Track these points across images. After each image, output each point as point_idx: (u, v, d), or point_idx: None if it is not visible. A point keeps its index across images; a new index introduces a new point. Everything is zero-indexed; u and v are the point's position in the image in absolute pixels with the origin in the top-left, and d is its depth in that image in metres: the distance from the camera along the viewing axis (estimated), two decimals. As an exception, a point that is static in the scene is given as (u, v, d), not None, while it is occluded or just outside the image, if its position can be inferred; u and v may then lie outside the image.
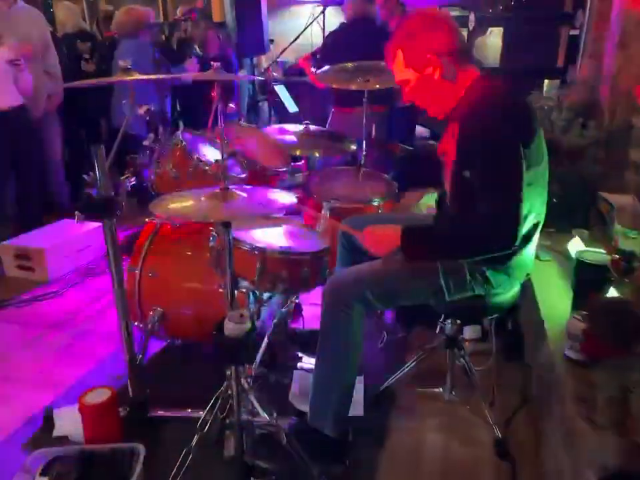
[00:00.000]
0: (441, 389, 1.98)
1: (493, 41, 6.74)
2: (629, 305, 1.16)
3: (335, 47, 3.35)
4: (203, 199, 1.35)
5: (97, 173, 1.47)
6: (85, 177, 1.55)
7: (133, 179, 1.73)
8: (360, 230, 1.62)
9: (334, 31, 3.54)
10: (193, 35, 4.51)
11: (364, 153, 2.60)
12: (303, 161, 3.60)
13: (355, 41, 3.25)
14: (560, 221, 2.26)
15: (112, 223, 1.52)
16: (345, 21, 3.54)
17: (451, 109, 1.53)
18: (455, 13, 6.94)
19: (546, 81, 4.82)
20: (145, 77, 1.57)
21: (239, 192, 1.37)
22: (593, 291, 1.38)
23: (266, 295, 1.89)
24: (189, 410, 1.82)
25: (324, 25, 4.71)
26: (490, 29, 6.72)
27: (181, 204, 1.37)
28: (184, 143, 1.95)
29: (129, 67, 1.57)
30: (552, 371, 1.44)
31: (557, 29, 6.21)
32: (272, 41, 5.52)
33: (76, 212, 1.51)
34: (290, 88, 5.33)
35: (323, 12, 4.65)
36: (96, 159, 1.44)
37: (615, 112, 2.55)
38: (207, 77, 1.82)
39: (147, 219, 2.05)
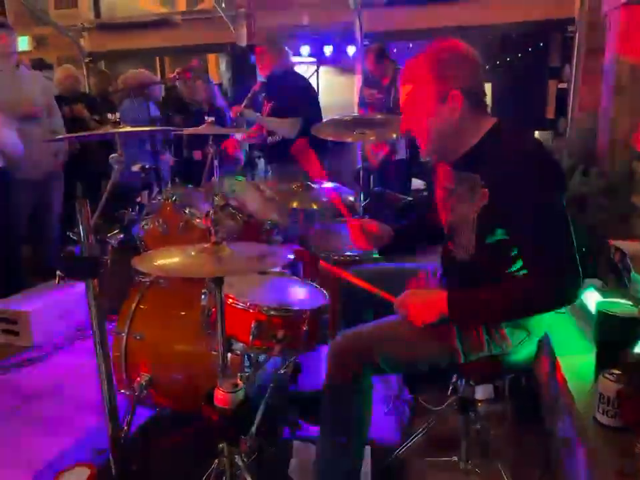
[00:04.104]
0: (455, 458, 1.80)
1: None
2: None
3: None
4: (192, 253, 1.24)
5: (80, 229, 1.37)
6: (70, 234, 1.46)
7: (121, 235, 1.64)
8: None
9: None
10: (183, 93, 4.56)
11: (362, 204, 2.54)
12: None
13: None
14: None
15: (95, 283, 1.41)
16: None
17: (461, 154, 1.44)
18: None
19: (536, 133, 4.91)
20: (131, 129, 1.51)
21: (231, 246, 1.27)
22: (621, 347, 1.26)
23: (262, 357, 1.75)
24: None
25: (318, 83, 4.80)
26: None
27: (169, 259, 1.27)
28: (175, 197, 1.87)
29: (118, 120, 1.52)
30: (580, 437, 1.29)
31: (544, 83, 6.41)
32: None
33: (57, 272, 1.41)
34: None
35: (317, 70, 4.76)
36: (79, 214, 1.34)
37: (614, 159, 2.52)
38: (200, 131, 1.78)
39: (136, 278, 1.93)
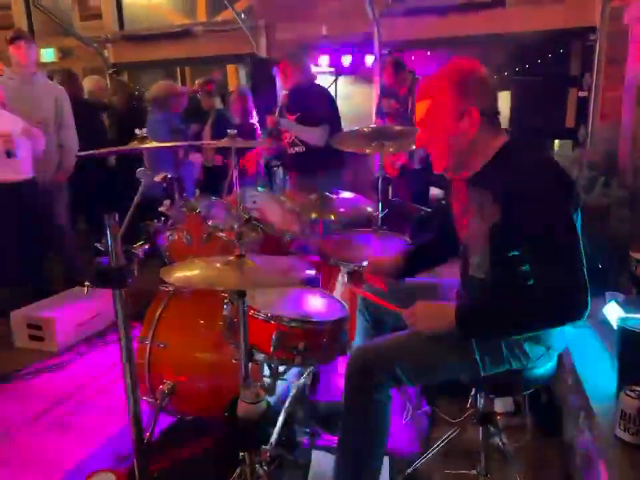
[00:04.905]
0: (474, 471, 1.79)
1: (500, 102, 6.92)
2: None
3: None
4: (217, 265, 1.28)
5: (109, 240, 1.41)
6: (98, 244, 1.50)
7: (146, 245, 1.68)
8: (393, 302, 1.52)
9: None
10: (202, 103, 4.64)
11: (381, 215, 2.55)
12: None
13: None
14: (590, 284, 2.15)
15: (122, 292, 1.45)
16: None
17: (474, 171, 1.45)
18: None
19: (556, 141, 4.87)
20: (158, 144, 1.55)
21: (254, 260, 1.30)
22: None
23: (282, 367, 1.77)
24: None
25: (336, 93, 4.84)
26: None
27: (194, 271, 1.30)
28: (199, 209, 1.92)
29: (145, 135, 1.56)
30: (600, 453, 1.29)
31: (564, 92, 6.35)
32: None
33: (85, 282, 1.45)
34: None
35: (335, 80, 4.81)
36: (108, 226, 1.39)
37: (636, 170, 2.49)
38: (223, 144, 1.82)
39: (160, 287, 1.98)
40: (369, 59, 5.87)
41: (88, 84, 4.81)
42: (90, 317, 3.11)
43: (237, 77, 7.05)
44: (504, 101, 6.91)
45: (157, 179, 2.89)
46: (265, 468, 1.50)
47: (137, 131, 1.55)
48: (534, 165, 1.36)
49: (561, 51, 6.42)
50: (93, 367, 2.77)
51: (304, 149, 3.27)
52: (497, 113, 1.45)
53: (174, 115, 3.63)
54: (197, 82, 4.84)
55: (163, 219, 1.99)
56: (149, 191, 2.63)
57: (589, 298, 1.26)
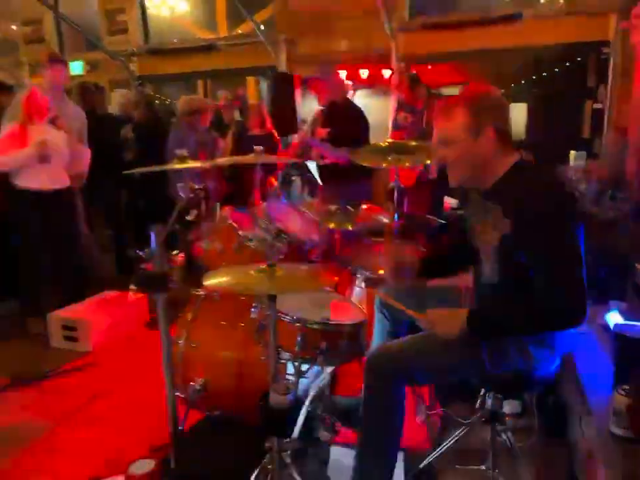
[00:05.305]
0: (483, 467, 1.92)
1: (517, 113, 7.01)
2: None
3: None
4: (252, 273, 1.44)
5: (155, 249, 1.58)
6: (140, 252, 1.67)
7: (182, 253, 1.85)
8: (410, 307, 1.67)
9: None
10: (223, 114, 4.83)
11: (396, 224, 2.70)
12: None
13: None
14: (596, 293, 2.26)
15: (165, 296, 1.62)
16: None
17: (488, 186, 1.59)
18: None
19: (572, 152, 4.95)
20: (198, 164, 1.72)
21: (284, 267, 1.46)
22: (635, 365, 1.38)
23: (305, 366, 1.93)
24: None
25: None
26: (511, 105, 7.01)
27: (231, 278, 1.47)
28: (230, 221, 2.09)
29: (185, 155, 1.74)
30: (598, 448, 1.41)
31: (581, 103, 6.43)
32: (304, 121, 5.86)
33: (131, 286, 1.62)
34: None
35: (353, 94, 4.97)
36: (155, 236, 1.56)
37: (643, 184, 2.60)
38: (249, 160, 1.99)
39: (192, 292, 2.15)
40: (386, 73, 6.04)
41: (117, 98, 5.04)
42: (121, 319, 3.29)
43: (257, 90, 7.28)
44: (521, 112, 7.03)
45: (179, 186, 3.08)
46: (290, 458, 1.65)
47: (178, 152, 1.72)
48: (541, 185, 1.51)
49: (578, 63, 6.52)
50: (124, 365, 2.95)
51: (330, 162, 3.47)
52: (510, 131, 1.60)
53: (202, 129, 3.82)
54: (222, 95, 5.05)
55: (195, 229, 2.16)
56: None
57: (587, 306, 1.39)
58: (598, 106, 5.91)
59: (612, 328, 1.71)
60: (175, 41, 7.67)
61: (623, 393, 1.26)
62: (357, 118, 3.59)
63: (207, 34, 7.63)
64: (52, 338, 3.22)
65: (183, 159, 1.71)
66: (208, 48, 7.15)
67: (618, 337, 1.45)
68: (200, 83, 7.72)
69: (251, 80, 7.38)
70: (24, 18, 8.16)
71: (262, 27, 6.77)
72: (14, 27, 8.62)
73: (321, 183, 4.28)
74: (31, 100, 3.20)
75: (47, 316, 3.23)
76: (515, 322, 1.48)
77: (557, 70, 6.72)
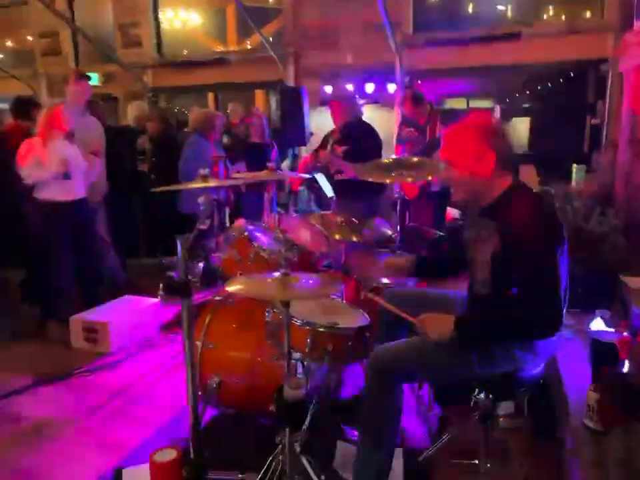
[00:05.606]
0: (477, 461, 2.09)
1: (520, 127, 7.20)
2: (632, 379, 1.33)
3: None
4: (269, 281, 1.63)
5: (180, 259, 1.77)
6: (163, 260, 1.87)
7: (202, 262, 2.04)
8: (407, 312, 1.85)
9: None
10: (231, 125, 5.02)
11: (399, 236, 2.89)
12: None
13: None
14: (584, 303, 2.44)
15: (189, 302, 1.80)
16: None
17: (485, 205, 1.78)
18: (480, 103, 7.50)
19: (575, 166, 5.12)
20: (220, 183, 1.92)
21: (298, 276, 1.65)
22: (605, 365, 1.55)
23: (313, 366, 2.11)
24: (243, 475, 1.99)
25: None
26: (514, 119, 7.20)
27: (251, 284, 1.66)
28: (246, 232, 2.28)
29: (206, 174, 1.93)
30: (572, 439, 1.58)
31: (582, 118, 6.60)
32: (312, 134, 6.08)
33: (160, 292, 1.81)
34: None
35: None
36: (181, 247, 1.74)
37: (629, 202, 2.77)
38: (262, 177, 2.19)
39: (211, 297, 2.33)
40: (391, 87, 6.24)
41: (133, 109, 5.25)
42: (139, 322, 3.49)
43: (265, 102, 7.50)
44: (524, 125, 7.22)
45: (200, 200, 3.29)
46: (300, 447, 1.83)
47: (201, 171, 1.92)
48: (527, 208, 1.69)
49: (578, 80, 6.71)
50: (143, 366, 3.13)
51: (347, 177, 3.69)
52: (510, 156, 1.78)
53: (214, 142, 4.03)
54: (235, 110, 5.24)
55: (214, 240, 2.35)
56: (192, 212, 3.01)
57: (562, 317, 1.57)
58: (596, 121, 6.09)
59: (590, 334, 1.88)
60: (185, 52, 7.94)
61: (592, 389, 1.43)
62: (369, 135, 3.87)
63: (218, 46, 7.88)
64: (73, 339, 3.41)
65: (204, 178, 1.90)
66: (219, 61, 7.39)
67: (593, 341, 1.62)
68: (210, 95, 7.95)
69: (259, 93, 7.61)
70: (41, 31, 8.45)
71: (270, 39, 7.00)
72: (30, 38, 8.91)
73: (329, 195, 4.50)
74: (53, 117, 3.40)
75: (68, 319, 3.42)
76: (498, 330, 1.66)
77: (558, 86, 6.91)
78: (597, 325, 2.01)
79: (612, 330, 1.65)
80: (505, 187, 1.75)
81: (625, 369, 1.53)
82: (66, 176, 3.39)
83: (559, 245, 1.63)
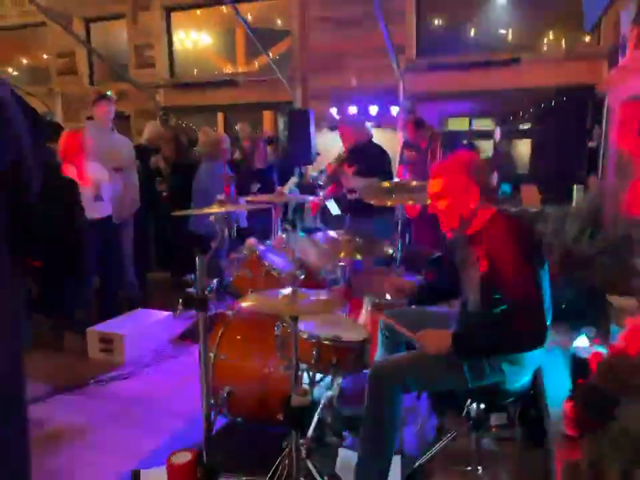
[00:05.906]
0: (469, 468, 2.24)
1: (521, 148, 7.39)
2: (601, 389, 1.48)
3: None
4: (280, 297, 1.81)
5: (198, 276, 1.96)
6: (185, 278, 2.05)
7: (216, 279, 2.22)
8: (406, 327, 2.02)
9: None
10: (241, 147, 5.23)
11: (399, 255, 3.06)
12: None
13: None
14: (572, 321, 2.60)
15: (205, 315, 1.99)
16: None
17: (472, 232, 1.97)
18: (482, 124, 7.70)
19: (575, 186, 5.29)
20: (235, 207, 2.10)
21: (306, 293, 1.83)
22: (581, 378, 1.72)
23: (318, 376, 2.27)
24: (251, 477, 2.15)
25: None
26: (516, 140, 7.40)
27: (263, 300, 1.84)
28: (257, 251, 2.47)
29: (222, 199, 2.12)
30: (553, 446, 1.74)
31: (582, 142, 6.79)
32: (318, 153, 6.30)
33: (179, 307, 1.99)
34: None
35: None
36: (200, 264, 1.93)
37: (617, 225, 2.94)
38: (272, 199, 2.37)
39: (222, 311, 2.51)
40: (394, 110, 6.46)
41: (149, 128, 5.43)
42: (153, 334, 3.66)
43: (273, 124, 7.74)
44: (525, 148, 7.42)
45: (211, 218, 3.49)
46: (305, 452, 1.99)
47: (219, 196, 2.11)
48: (509, 234, 1.86)
49: (577, 104, 6.90)
50: (155, 376, 3.31)
51: (359, 196, 3.87)
52: (493, 189, 1.98)
53: (224, 163, 4.23)
54: (241, 128, 5.44)
55: (226, 258, 2.54)
56: (203, 229, 3.20)
57: (546, 332, 1.74)
58: (593, 145, 6.27)
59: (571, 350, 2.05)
60: (196, 72, 8.22)
61: (569, 400, 1.59)
62: (378, 155, 4.04)
63: (228, 66, 8.17)
64: (89, 350, 3.58)
65: (221, 203, 2.10)
66: (228, 82, 7.66)
67: (573, 356, 1.79)
68: (220, 115, 8.21)
69: (267, 114, 7.85)
70: (58, 51, 8.76)
71: (277, 58, 7.26)
72: (45, 56, 9.22)
73: (336, 213, 4.70)
74: (69, 142, 3.61)
75: (84, 330, 3.60)
76: (491, 344, 1.83)
77: (559, 109, 7.10)
78: (581, 342, 2.17)
79: (592, 346, 1.81)
80: (488, 215, 1.94)
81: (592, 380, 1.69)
82: (97, 198, 3.62)
83: (540, 264, 1.80)
